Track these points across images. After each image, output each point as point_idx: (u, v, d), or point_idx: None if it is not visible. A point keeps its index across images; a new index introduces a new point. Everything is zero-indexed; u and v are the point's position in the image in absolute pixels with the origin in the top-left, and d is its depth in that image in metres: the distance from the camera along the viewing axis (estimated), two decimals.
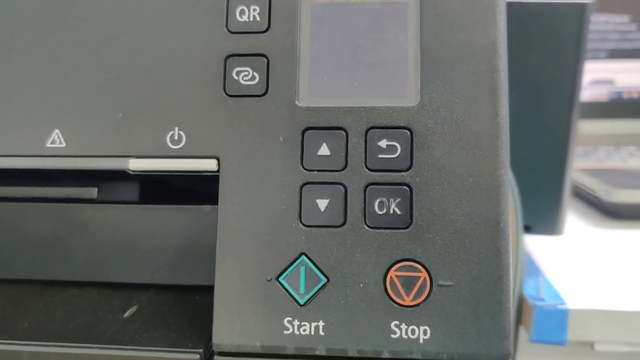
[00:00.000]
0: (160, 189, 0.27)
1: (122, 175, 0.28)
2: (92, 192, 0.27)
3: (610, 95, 0.68)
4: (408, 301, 0.20)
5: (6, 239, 0.27)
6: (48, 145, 0.22)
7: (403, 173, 0.20)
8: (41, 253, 0.26)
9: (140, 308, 0.24)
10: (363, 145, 0.20)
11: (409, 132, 0.20)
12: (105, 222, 0.26)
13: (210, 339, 0.21)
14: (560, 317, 0.32)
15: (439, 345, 0.19)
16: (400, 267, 0.20)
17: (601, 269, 0.36)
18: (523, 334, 0.35)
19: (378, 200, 0.20)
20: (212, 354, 0.21)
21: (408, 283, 0.20)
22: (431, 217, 0.20)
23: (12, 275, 0.27)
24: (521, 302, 0.35)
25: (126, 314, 0.23)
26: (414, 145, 0.20)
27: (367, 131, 0.20)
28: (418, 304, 0.20)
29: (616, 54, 0.68)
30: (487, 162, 0.20)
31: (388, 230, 0.20)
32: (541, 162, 0.35)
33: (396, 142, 0.20)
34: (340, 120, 0.20)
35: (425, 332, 0.19)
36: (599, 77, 0.68)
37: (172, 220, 0.25)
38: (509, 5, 0.22)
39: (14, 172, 0.28)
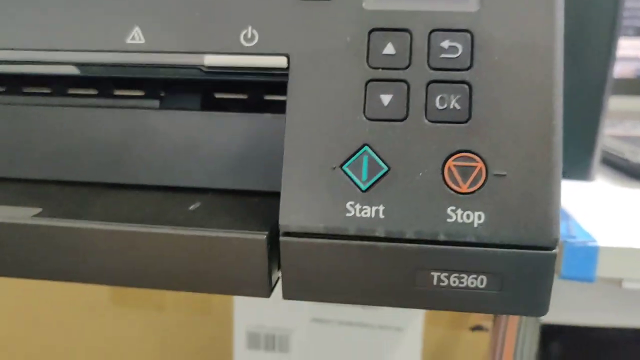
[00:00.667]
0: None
1: (184, 87, 0.29)
2: (154, 103, 0.29)
3: (637, 72, 0.69)
4: (464, 189, 0.21)
5: (71, 143, 0.28)
6: (128, 41, 0.24)
7: (463, 72, 0.21)
8: (105, 157, 0.28)
9: (204, 204, 0.26)
10: (426, 46, 0.22)
11: (470, 35, 0.22)
12: (168, 128, 0.27)
13: (274, 226, 0.23)
14: (590, 253, 0.34)
15: (492, 230, 0.21)
16: (457, 157, 0.21)
17: (631, 216, 0.37)
18: None
19: (439, 97, 0.21)
20: (277, 235, 0.22)
21: (465, 172, 0.21)
22: (489, 113, 0.21)
23: (77, 177, 0.28)
24: None
25: (191, 207, 0.25)
26: (474, 47, 0.21)
27: (430, 33, 0.22)
28: (473, 192, 0.21)
29: None
30: (542, 64, 0.21)
31: (448, 124, 0.21)
32: (577, 108, 0.36)
33: (458, 43, 0.22)
34: (405, 23, 0.22)
35: (479, 217, 0.21)
36: (627, 54, 0.68)
37: (233, 126, 0.27)
38: None
39: (84, 80, 0.30)
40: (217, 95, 0.32)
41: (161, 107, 0.28)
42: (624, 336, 0.40)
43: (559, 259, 0.35)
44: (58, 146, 0.28)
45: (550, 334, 0.40)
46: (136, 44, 0.24)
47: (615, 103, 0.67)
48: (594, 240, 0.34)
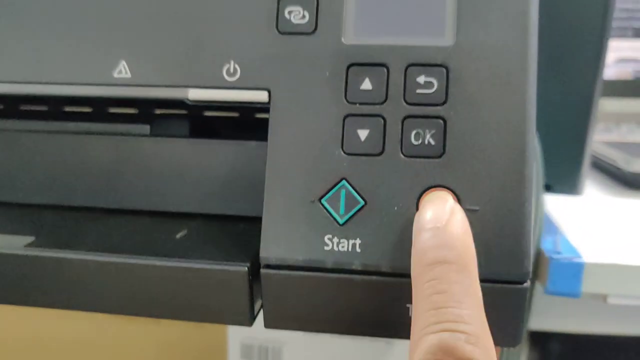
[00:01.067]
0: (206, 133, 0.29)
1: (173, 116, 0.30)
2: (145, 129, 0.29)
3: (635, 74, 0.69)
4: None
5: (65, 168, 0.29)
6: (115, 75, 0.24)
7: (438, 107, 0.22)
8: (96, 183, 0.29)
9: (190, 232, 0.26)
10: (403, 81, 0.22)
11: (445, 70, 0.22)
12: (158, 154, 0.28)
13: (255, 257, 0.23)
14: (576, 269, 0.34)
15: None
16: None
17: (619, 230, 0.37)
18: (538, 289, 0.36)
19: (414, 132, 0.22)
20: (259, 268, 0.23)
21: None
22: (462, 148, 0.22)
23: (70, 202, 0.29)
24: (538, 257, 0.36)
25: (178, 236, 0.26)
26: (450, 81, 0.22)
27: (406, 68, 0.22)
28: None
29: None
30: (515, 97, 0.22)
31: (422, 159, 0.22)
32: (564, 122, 0.37)
33: (433, 78, 0.22)
34: (382, 57, 0.22)
35: None
36: (625, 56, 0.68)
37: (220, 153, 0.27)
38: None
39: (76, 113, 0.31)
40: (208, 114, 0.33)
41: (152, 134, 0.29)
42: (612, 343, 0.40)
43: (544, 274, 0.36)
44: (49, 171, 0.29)
45: (538, 341, 0.40)
46: (122, 77, 0.24)
47: (612, 105, 0.68)
48: (580, 257, 0.34)
